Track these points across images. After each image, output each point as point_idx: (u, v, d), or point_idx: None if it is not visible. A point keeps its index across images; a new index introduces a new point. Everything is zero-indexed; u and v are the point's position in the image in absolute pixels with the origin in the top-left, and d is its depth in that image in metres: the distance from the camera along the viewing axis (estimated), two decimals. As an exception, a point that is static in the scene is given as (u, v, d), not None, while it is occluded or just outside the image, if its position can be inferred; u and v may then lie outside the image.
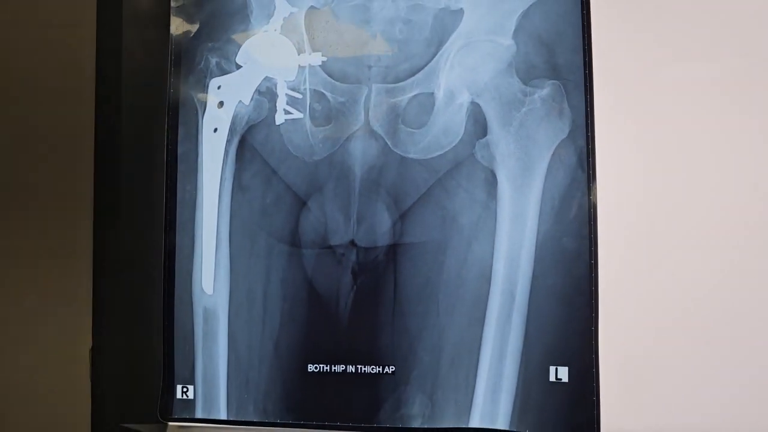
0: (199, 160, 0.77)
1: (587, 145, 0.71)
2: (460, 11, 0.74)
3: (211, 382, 0.75)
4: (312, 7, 0.77)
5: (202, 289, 0.76)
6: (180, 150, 0.77)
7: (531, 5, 0.73)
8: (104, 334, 0.78)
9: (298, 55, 0.76)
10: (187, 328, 0.76)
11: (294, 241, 0.75)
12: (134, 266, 0.78)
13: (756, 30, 0.68)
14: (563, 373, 0.68)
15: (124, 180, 0.78)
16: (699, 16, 0.70)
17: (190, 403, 0.75)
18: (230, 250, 0.76)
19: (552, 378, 0.68)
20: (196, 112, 0.78)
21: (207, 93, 0.78)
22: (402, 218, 0.73)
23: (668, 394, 0.65)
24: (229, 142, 0.77)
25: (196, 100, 0.78)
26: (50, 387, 0.79)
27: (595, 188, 0.70)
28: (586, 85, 0.71)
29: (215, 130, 0.77)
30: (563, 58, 0.72)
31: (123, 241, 0.78)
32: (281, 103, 0.76)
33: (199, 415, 0.75)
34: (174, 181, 0.77)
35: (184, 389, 0.75)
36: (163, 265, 0.77)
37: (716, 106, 0.68)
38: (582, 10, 0.72)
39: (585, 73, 0.71)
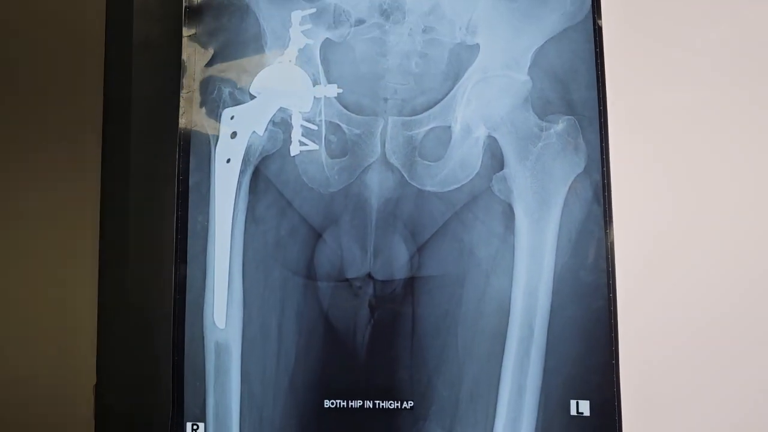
0: (212, 191, 0.76)
1: (603, 179, 0.72)
2: (476, 46, 0.75)
3: (223, 419, 0.73)
4: (327, 39, 0.77)
5: (214, 322, 0.74)
6: (192, 180, 0.76)
7: (546, 41, 0.74)
8: (109, 369, 0.75)
9: (314, 86, 0.76)
10: (198, 363, 0.74)
11: (309, 274, 0.74)
12: (142, 299, 0.76)
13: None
14: (584, 406, 0.68)
15: (132, 211, 0.76)
16: (713, 47, 0.72)
17: (199, 442, 0.73)
18: (243, 283, 0.74)
19: (573, 412, 0.68)
20: (209, 142, 0.76)
21: (220, 123, 0.76)
22: (419, 251, 0.73)
23: (692, 427, 0.65)
24: (242, 173, 0.76)
25: (208, 130, 0.77)
26: (50, 425, 0.75)
27: (612, 222, 0.71)
28: (600, 121, 0.73)
29: (228, 160, 0.76)
30: (577, 94, 0.73)
31: (130, 274, 0.76)
32: (296, 135, 0.75)
33: (209, 453, 0.73)
34: (185, 212, 0.75)
35: (195, 427, 0.73)
36: (173, 298, 0.74)
37: (733, 137, 0.70)
38: (595, 47, 0.74)
39: (599, 109, 0.73)
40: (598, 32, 0.74)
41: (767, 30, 0.72)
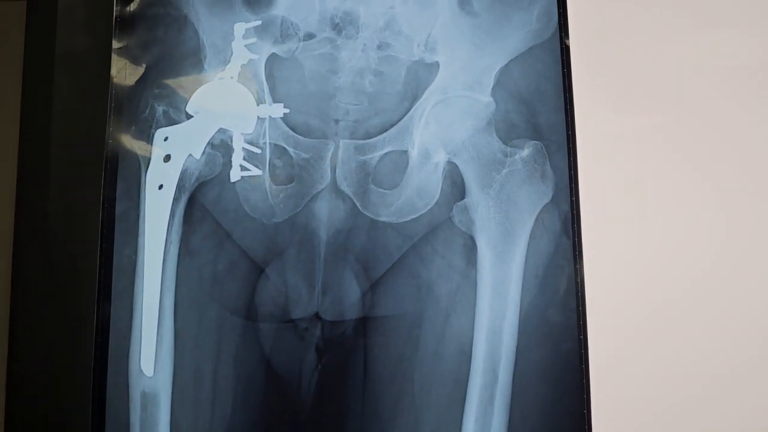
0: (141, 220, 0.68)
1: (572, 210, 0.66)
2: (436, 64, 0.69)
3: (149, 480, 0.64)
4: (273, 54, 0.70)
5: (141, 369, 0.65)
6: (118, 208, 0.68)
7: (510, 61, 0.69)
8: (17, 421, 0.66)
9: (257, 105, 0.69)
10: (121, 415, 0.65)
11: (250, 314, 0.66)
12: (57, 341, 0.67)
13: (749, 85, 0.67)
14: (554, 462, 0.62)
15: (50, 242, 0.67)
16: (684, 72, 0.68)
17: (122, 506, 0.64)
18: (175, 324, 0.66)
19: (541, 468, 0.62)
20: (139, 166, 0.69)
21: (152, 145, 0.69)
22: (372, 288, 0.66)
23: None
24: (176, 200, 0.68)
25: (138, 152, 0.69)
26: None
27: (582, 256, 0.65)
28: (568, 146, 0.67)
29: (160, 186, 0.68)
30: (544, 118, 0.68)
31: (46, 312, 0.67)
32: (237, 158, 0.68)
33: None
34: (110, 243, 0.67)
35: (116, 490, 0.64)
36: (94, 341, 0.66)
37: (708, 167, 0.66)
38: (562, 68, 0.69)
39: (567, 134, 0.68)
40: (565, 51, 0.69)
41: (739, 52, 0.68)
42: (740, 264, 0.65)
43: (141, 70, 0.70)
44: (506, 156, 0.67)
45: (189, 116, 0.69)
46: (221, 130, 0.69)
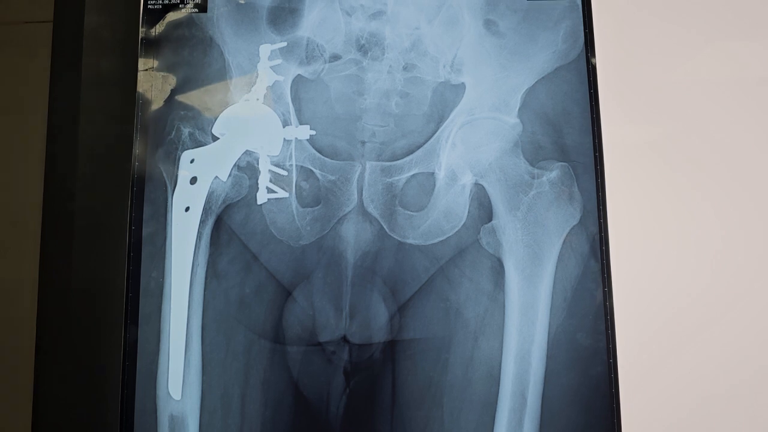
0: (168, 242, 0.67)
1: (600, 232, 0.66)
2: (462, 86, 0.69)
3: (178, 504, 0.64)
4: (299, 76, 0.70)
5: (169, 393, 0.65)
6: (145, 231, 0.68)
7: (536, 82, 0.69)
8: (46, 446, 0.66)
9: (284, 127, 0.69)
10: (149, 439, 0.65)
11: (277, 337, 0.66)
12: (85, 365, 0.67)
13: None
14: (585, 488, 0.61)
15: (77, 265, 0.67)
16: (713, 90, 0.68)
17: None
18: (202, 347, 0.66)
19: (572, 494, 0.61)
20: (165, 189, 0.69)
21: (178, 167, 0.69)
22: (400, 311, 0.66)
23: None
24: (203, 222, 0.68)
25: (165, 174, 0.69)
26: None
27: (610, 279, 0.65)
28: (596, 168, 0.67)
29: (187, 209, 0.68)
30: (571, 139, 0.68)
31: (74, 337, 0.67)
32: (264, 181, 0.68)
33: None
34: (137, 266, 0.67)
35: None
36: (122, 365, 0.66)
37: (738, 186, 0.65)
38: (589, 88, 0.68)
39: (595, 156, 0.67)
40: (592, 72, 0.69)
41: (762, 68, 0.68)
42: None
43: (167, 91, 0.70)
44: (533, 178, 0.67)
45: (215, 138, 0.69)
46: (247, 152, 0.69)
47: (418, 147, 0.68)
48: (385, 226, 0.67)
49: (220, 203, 0.68)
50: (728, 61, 0.69)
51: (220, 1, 0.72)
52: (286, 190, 0.68)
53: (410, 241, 0.67)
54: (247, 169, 0.69)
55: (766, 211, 0.66)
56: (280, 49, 0.70)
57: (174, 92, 0.70)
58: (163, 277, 0.67)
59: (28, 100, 0.72)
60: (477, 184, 0.67)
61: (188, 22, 0.71)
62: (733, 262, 0.64)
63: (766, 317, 0.64)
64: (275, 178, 0.68)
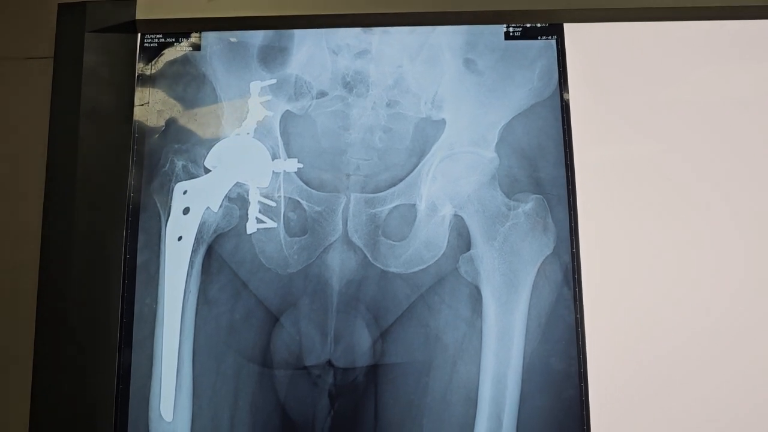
0: (161, 270, 0.71)
1: (572, 261, 0.69)
2: (442, 121, 0.73)
3: None
4: (288, 111, 0.73)
5: (161, 415, 0.68)
6: (140, 259, 0.71)
7: (513, 118, 0.73)
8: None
9: (273, 160, 0.72)
10: (141, 460, 0.68)
11: (265, 362, 0.69)
12: (79, 388, 0.70)
13: (753, 145, 0.70)
14: (557, 506, 0.64)
15: (73, 291, 0.70)
16: (683, 125, 0.71)
17: None
18: (193, 371, 0.69)
19: None
20: (159, 219, 0.72)
21: (172, 198, 0.72)
22: (383, 337, 0.69)
23: None
24: (194, 251, 0.71)
25: (159, 205, 0.72)
26: None
27: (582, 306, 0.68)
28: (569, 200, 0.71)
29: (180, 238, 0.71)
30: (545, 172, 0.71)
31: (69, 360, 0.70)
32: (253, 211, 0.71)
33: None
34: (131, 293, 0.70)
35: None
36: (115, 387, 0.69)
37: (709, 218, 0.69)
38: (563, 124, 0.72)
39: (568, 188, 0.71)
40: (565, 107, 0.73)
41: (739, 100, 0.72)
42: (747, 314, 0.67)
43: (161, 126, 0.74)
44: (510, 209, 0.71)
45: (207, 170, 0.73)
46: (238, 184, 0.72)
47: (401, 180, 0.72)
48: (368, 255, 0.70)
49: (211, 233, 0.71)
50: (700, 93, 0.73)
51: (213, 40, 0.75)
52: (274, 221, 0.71)
53: (392, 269, 0.70)
54: (237, 200, 0.72)
55: (736, 239, 0.69)
56: (270, 85, 0.74)
57: (168, 126, 0.74)
58: (156, 303, 0.70)
59: (28, 133, 0.75)
60: (456, 215, 0.71)
61: (183, 59, 0.75)
62: (705, 288, 0.68)
63: (738, 343, 0.67)
64: (264, 209, 0.71)
